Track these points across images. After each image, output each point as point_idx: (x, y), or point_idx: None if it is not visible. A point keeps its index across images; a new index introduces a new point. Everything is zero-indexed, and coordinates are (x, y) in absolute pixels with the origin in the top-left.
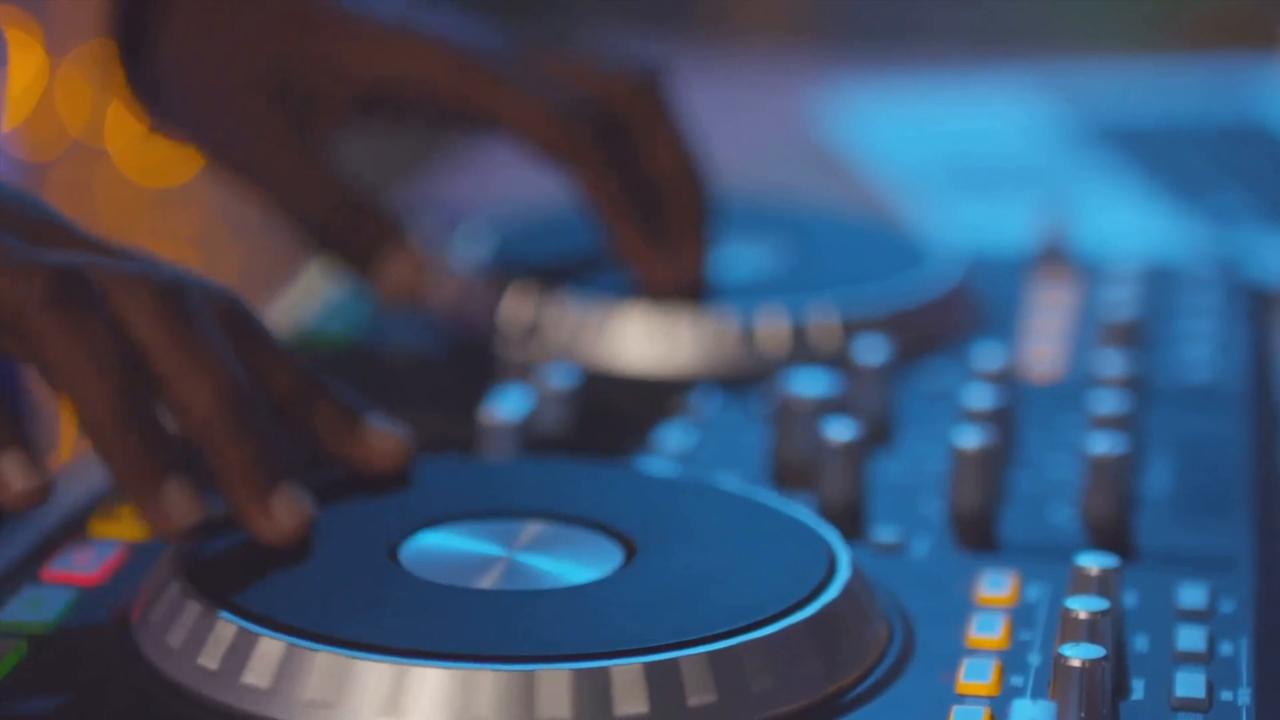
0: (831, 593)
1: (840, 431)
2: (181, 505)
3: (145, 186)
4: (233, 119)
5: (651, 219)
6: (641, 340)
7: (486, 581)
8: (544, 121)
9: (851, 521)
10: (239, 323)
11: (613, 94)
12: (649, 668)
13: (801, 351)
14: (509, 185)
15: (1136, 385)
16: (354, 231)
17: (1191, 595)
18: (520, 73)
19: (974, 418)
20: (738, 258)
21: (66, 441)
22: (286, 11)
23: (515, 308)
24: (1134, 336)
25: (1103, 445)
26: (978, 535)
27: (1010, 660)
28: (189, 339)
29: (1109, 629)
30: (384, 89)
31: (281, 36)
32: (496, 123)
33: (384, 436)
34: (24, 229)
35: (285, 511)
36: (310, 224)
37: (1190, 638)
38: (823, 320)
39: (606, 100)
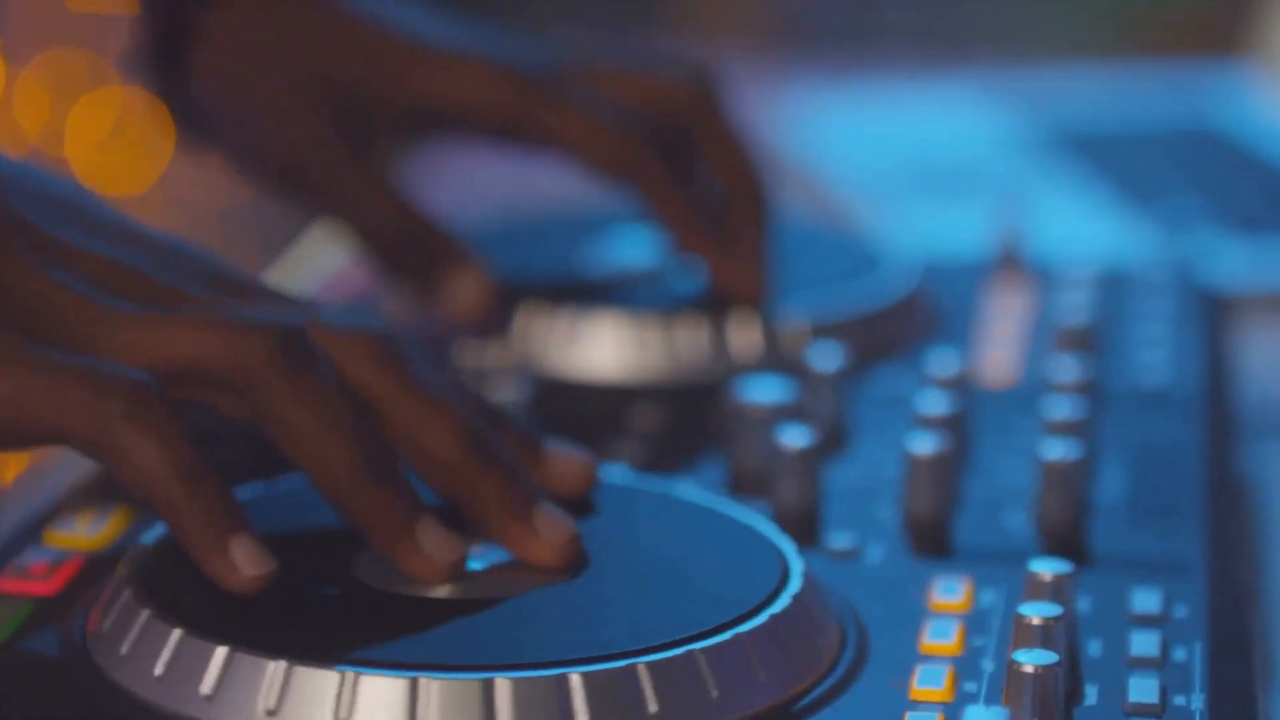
0: (784, 600)
1: (795, 438)
2: (441, 542)
3: (105, 194)
4: (289, 138)
5: (716, 222)
6: (597, 347)
7: (439, 590)
8: (604, 141)
9: (806, 528)
10: (426, 364)
11: (668, 101)
12: (601, 676)
13: (757, 358)
14: (471, 194)
15: (1091, 390)
16: (419, 250)
17: (1145, 600)
18: (574, 90)
19: (928, 423)
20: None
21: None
22: (336, 33)
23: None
24: (1089, 341)
25: (1057, 451)
26: (932, 541)
27: (964, 666)
28: (417, 387)
29: (1062, 635)
30: (438, 111)
31: (333, 58)
32: (555, 144)
33: (568, 460)
34: (206, 282)
35: (550, 529)
36: (375, 242)
37: (1144, 643)
38: (779, 326)
39: (662, 108)
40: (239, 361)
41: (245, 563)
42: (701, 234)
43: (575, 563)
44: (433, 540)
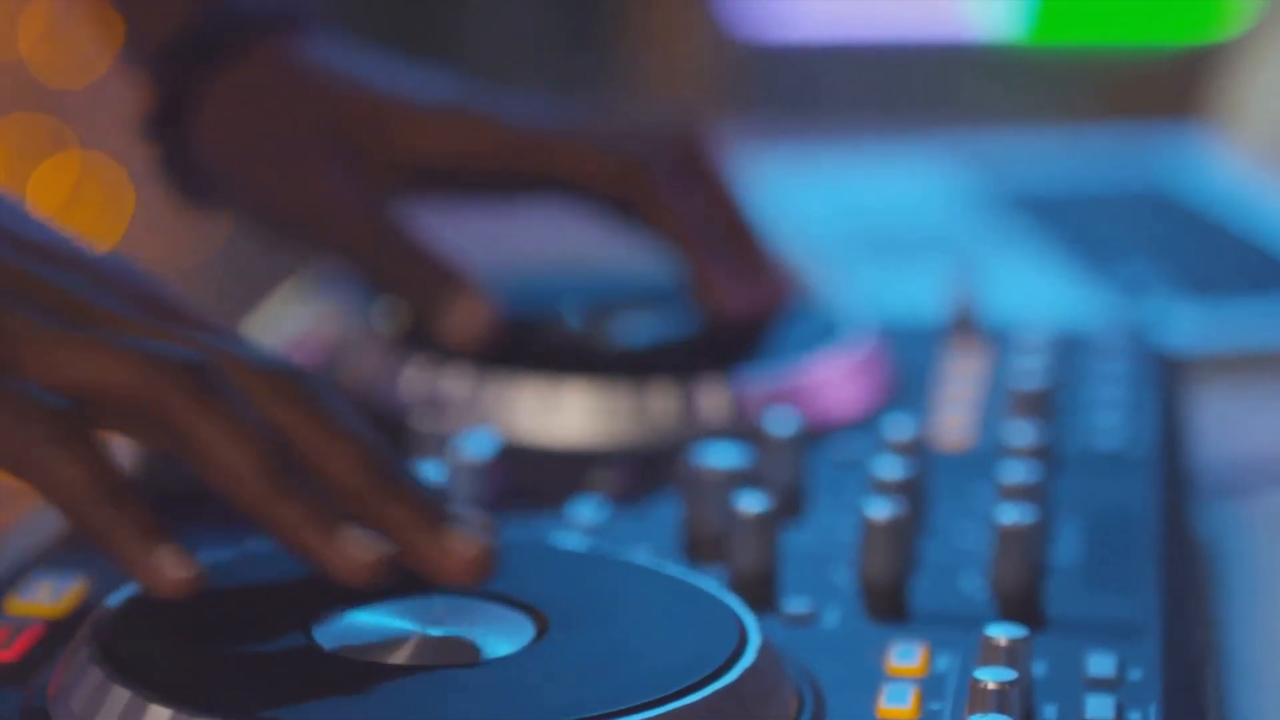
0: (741, 665)
1: (751, 503)
2: (363, 546)
3: None
4: (296, 185)
5: (716, 240)
6: (552, 412)
7: (399, 657)
8: (612, 170)
9: (762, 593)
10: (345, 406)
11: (662, 148)
12: None
13: (715, 423)
14: None
15: (1046, 454)
16: (416, 278)
17: (1100, 664)
18: (578, 133)
19: (884, 488)
20: (648, 328)
21: None
22: (329, 95)
23: (422, 380)
24: (1044, 405)
25: (1012, 514)
26: (888, 605)
27: None
28: (324, 418)
29: (1018, 699)
30: (433, 166)
31: (330, 119)
32: (562, 180)
33: (464, 542)
34: (138, 304)
35: (463, 544)
36: (373, 271)
37: (1099, 706)
38: (730, 391)
39: (657, 154)
40: (155, 389)
41: (172, 566)
42: (711, 252)
43: (534, 630)
44: (353, 540)
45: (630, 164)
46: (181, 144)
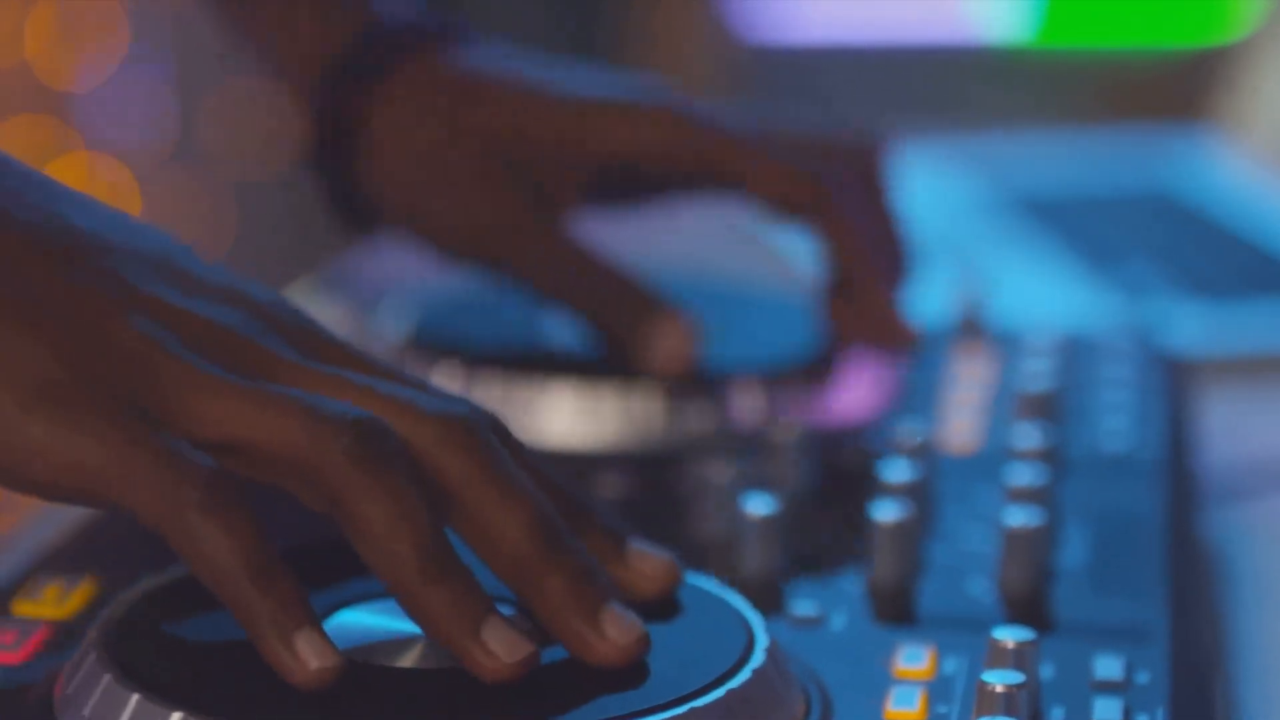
0: (750, 669)
1: (758, 506)
2: (509, 641)
3: None
4: (473, 210)
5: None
6: (563, 415)
7: (407, 660)
8: (791, 180)
9: (770, 596)
10: (514, 447)
11: (842, 160)
12: None
13: (720, 426)
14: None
15: (1053, 457)
16: (617, 307)
17: (1107, 667)
18: (758, 136)
19: (891, 491)
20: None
21: None
22: (501, 101)
23: (441, 384)
24: (1050, 408)
25: (1019, 517)
26: (895, 608)
27: None
28: (495, 475)
29: (1025, 702)
30: (621, 162)
31: (503, 127)
32: (739, 184)
33: (649, 561)
34: (301, 343)
35: (618, 630)
36: (572, 303)
37: (1106, 709)
38: (737, 393)
39: (836, 166)
40: (316, 453)
41: (311, 656)
42: (877, 273)
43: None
44: (498, 640)
45: (809, 175)
46: (346, 172)
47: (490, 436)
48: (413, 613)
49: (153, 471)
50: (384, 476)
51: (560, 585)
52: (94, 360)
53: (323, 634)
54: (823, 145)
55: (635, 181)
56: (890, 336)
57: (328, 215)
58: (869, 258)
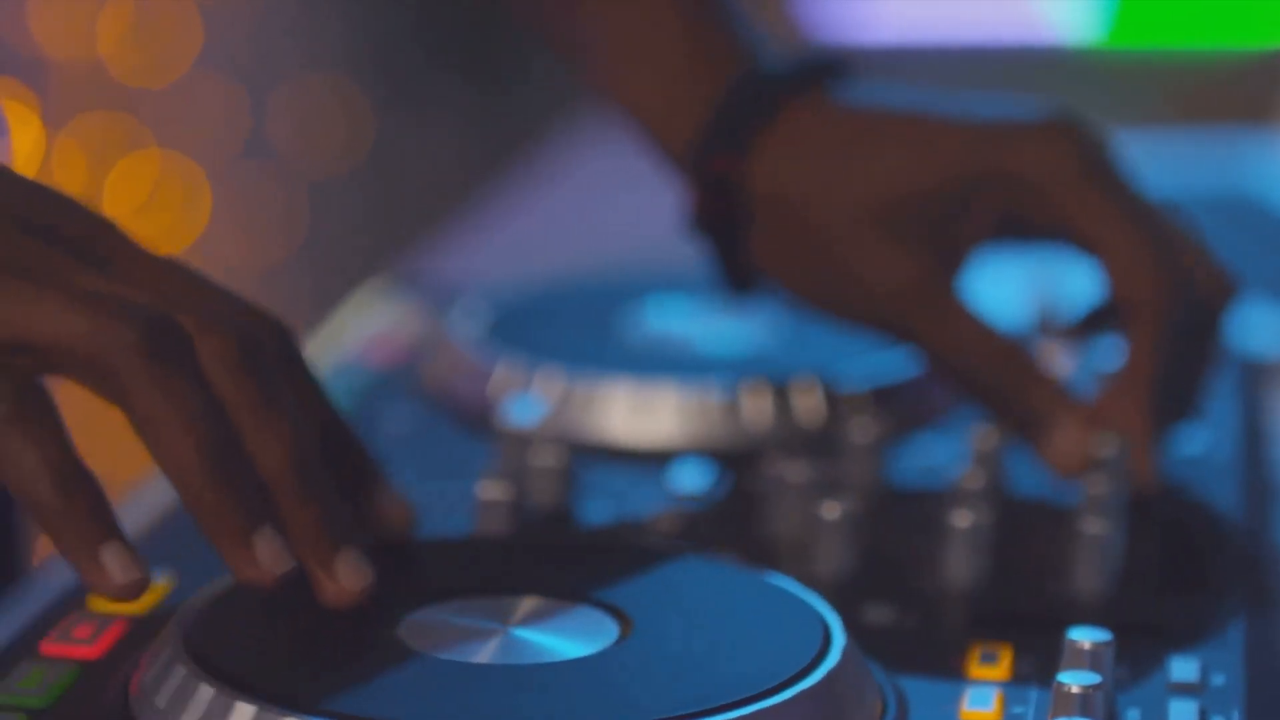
0: (827, 666)
1: (832, 507)
2: (272, 554)
3: None
4: (864, 263)
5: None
6: (631, 414)
7: (483, 656)
8: (1141, 278)
9: (844, 596)
10: (295, 367)
11: (1195, 288)
12: None
13: (790, 425)
14: (502, 260)
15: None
16: (1022, 393)
17: (1183, 669)
18: (1134, 203)
19: (966, 493)
20: (725, 331)
21: None
22: (902, 141)
23: (507, 382)
24: None
25: (1094, 519)
26: (970, 610)
27: None
28: (261, 398)
29: (1101, 703)
30: (1022, 193)
31: (907, 166)
32: (1092, 254)
33: (393, 503)
34: (94, 250)
35: (348, 574)
36: (974, 381)
37: (1182, 712)
38: (811, 393)
39: (1187, 290)
40: (103, 348)
41: (116, 568)
42: (1148, 404)
43: (618, 631)
44: (264, 550)
45: (1157, 287)
46: (733, 237)
47: (262, 360)
48: (189, 508)
49: None
50: (173, 374)
51: (304, 520)
52: None
53: (129, 546)
54: (1196, 260)
55: (1024, 220)
56: (1135, 470)
57: (715, 281)
58: (1149, 385)
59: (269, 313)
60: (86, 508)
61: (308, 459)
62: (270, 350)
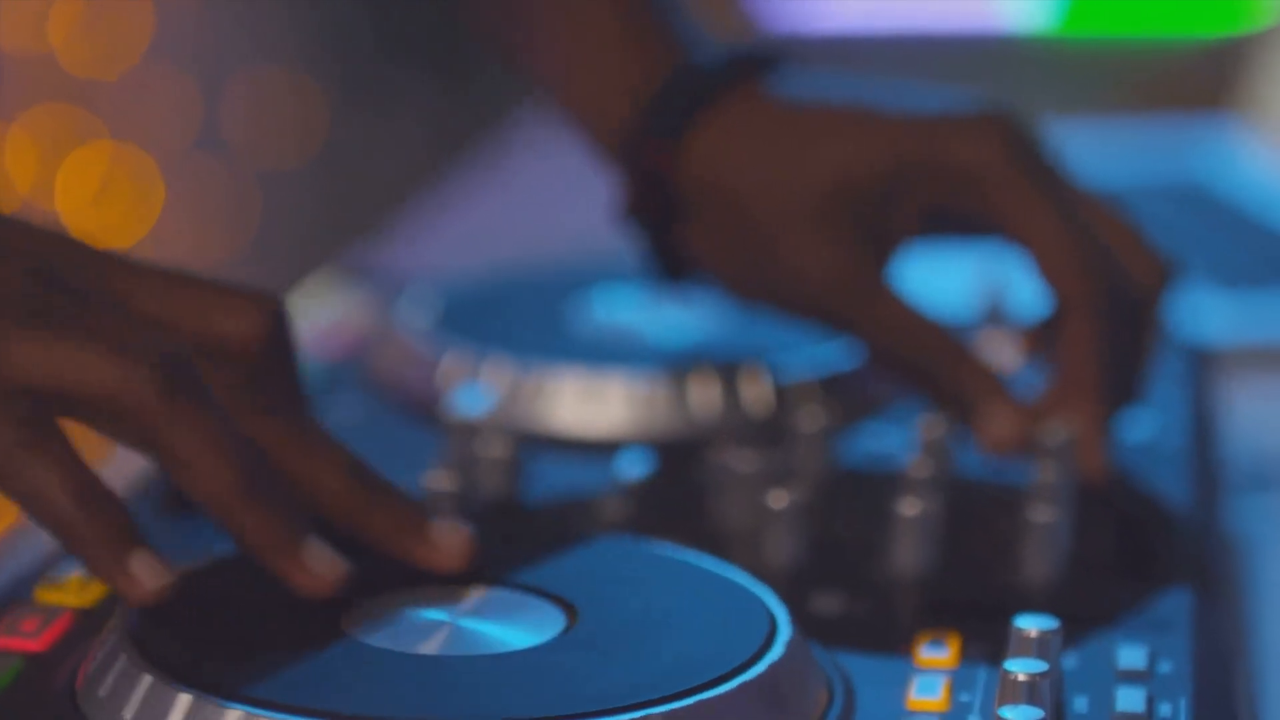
0: (772, 656)
1: (780, 496)
2: (324, 561)
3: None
4: (797, 254)
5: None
6: (579, 404)
7: (428, 646)
8: (1067, 270)
9: (793, 585)
10: (281, 368)
11: (1130, 274)
12: None
13: (737, 414)
14: (452, 252)
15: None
16: (953, 375)
17: (1131, 656)
18: (1062, 195)
19: (914, 481)
20: (673, 321)
21: (5, 504)
22: (837, 132)
23: (454, 372)
24: None
25: (1042, 506)
26: (918, 597)
27: None
28: (305, 422)
29: (1048, 690)
30: (953, 185)
31: (841, 157)
32: (1024, 247)
33: (449, 534)
34: (104, 289)
35: (448, 536)
36: (908, 367)
37: (1130, 699)
38: (759, 382)
39: (1118, 277)
40: (122, 392)
41: (146, 575)
42: (1096, 394)
43: (564, 621)
44: (317, 557)
45: (1084, 270)
46: (665, 227)
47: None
48: (233, 535)
49: None
50: (197, 405)
51: (388, 513)
52: None
53: (154, 552)
54: (1130, 248)
55: (956, 210)
56: (1082, 460)
57: (644, 267)
58: (1096, 381)
59: (267, 296)
60: (112, 522)
61: (365, 465)
62: (272, 359)
